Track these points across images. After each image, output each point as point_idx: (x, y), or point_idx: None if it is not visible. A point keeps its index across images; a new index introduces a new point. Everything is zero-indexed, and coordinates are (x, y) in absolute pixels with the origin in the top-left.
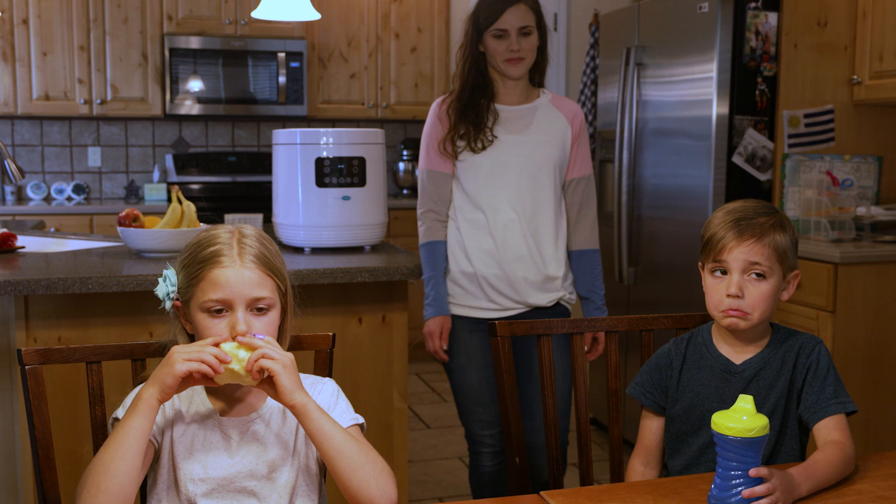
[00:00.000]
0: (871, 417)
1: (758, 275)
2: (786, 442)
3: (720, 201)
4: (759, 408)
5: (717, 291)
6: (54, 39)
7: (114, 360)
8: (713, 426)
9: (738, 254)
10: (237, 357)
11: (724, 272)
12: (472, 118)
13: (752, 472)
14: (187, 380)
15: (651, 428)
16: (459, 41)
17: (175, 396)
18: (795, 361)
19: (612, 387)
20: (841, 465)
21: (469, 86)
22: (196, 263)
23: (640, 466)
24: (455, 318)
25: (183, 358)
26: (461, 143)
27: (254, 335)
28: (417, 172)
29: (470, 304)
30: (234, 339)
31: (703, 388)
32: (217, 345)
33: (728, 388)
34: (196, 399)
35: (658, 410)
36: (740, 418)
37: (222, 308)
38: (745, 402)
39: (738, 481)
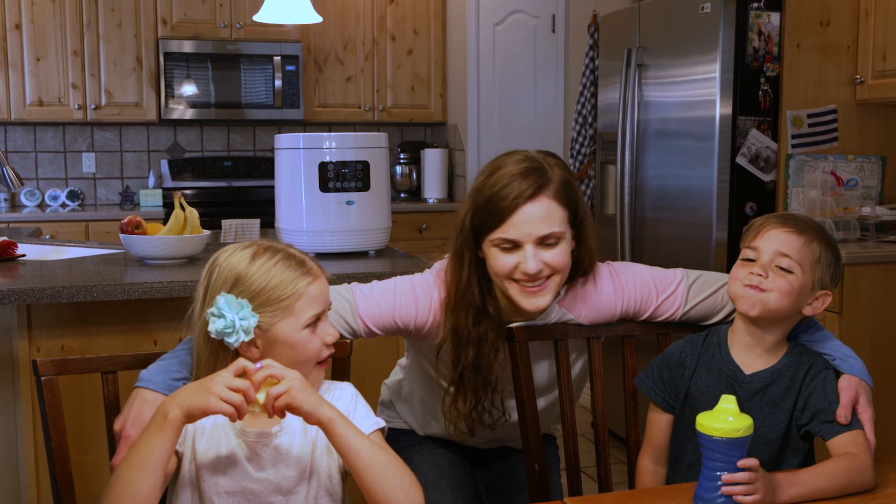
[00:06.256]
0: (877, 420)
1: (784, 269)
2: (787, 461)
3: (724, 203)
4: (766, 424)
5: (743, 270)
6: (47, 44)
7: (129, 370)
8: (698, 426)
9: (774, 236)
10: (257, 401)
11: (753, 261)
12: None
13: (740, 463)
14: None
15: (660, 424)
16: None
17: None
18: (801, 383)
19: (630, 390)
20: (846, 476)
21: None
22: (288, 285)
23: (651, 464)
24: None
25: (222, 397)
26: None
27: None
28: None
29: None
30: (238, 374)
31: (709, 391)
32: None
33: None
34: None
35: (667, 408)
36: (725, 419)
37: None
38: (728, 403)
39: (723, 482)
